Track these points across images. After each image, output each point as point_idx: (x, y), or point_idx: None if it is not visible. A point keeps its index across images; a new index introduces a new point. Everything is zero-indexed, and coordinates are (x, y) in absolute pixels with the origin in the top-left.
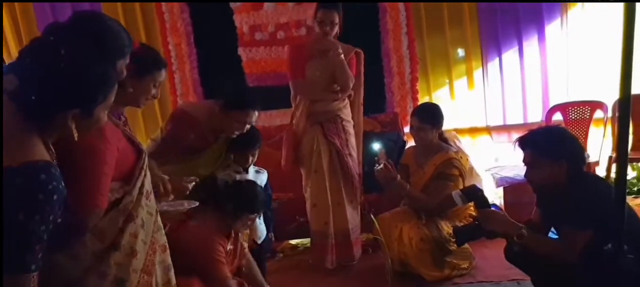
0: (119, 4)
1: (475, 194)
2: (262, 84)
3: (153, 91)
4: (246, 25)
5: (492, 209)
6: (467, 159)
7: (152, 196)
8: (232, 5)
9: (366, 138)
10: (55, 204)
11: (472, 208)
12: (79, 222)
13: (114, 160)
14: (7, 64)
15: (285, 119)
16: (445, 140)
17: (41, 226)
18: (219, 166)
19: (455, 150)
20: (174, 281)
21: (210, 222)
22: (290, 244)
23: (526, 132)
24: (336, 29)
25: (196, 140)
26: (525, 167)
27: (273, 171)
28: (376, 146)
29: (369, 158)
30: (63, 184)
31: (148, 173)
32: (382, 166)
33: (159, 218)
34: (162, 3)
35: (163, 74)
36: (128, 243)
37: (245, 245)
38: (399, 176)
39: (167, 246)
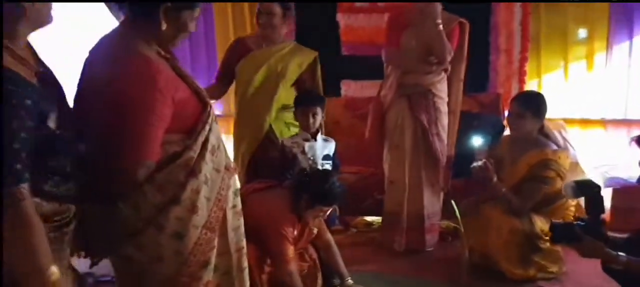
0: None
1: (590, 190)
2: (358, 53)
3: (190, 26)
4: None
5: (590, 239)
6: (567, 157)
7: (219, 152)
8: None
9: (462, 118)
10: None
11: (573, 208)
12: (127, 172)
13: (168, 111)
14: None
15: (376, 90)
16: (546, 135)
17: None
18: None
19: (553, 149)
20: (245, 247)
21: (285, 200)
22: (365, 220)
23: None
24: None
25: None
26: None
27: (357, 144)
28: (477, 142)
29: (462, 142)
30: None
31: (215, 127)
32: (481, 163)
33: (235, 180)
34: None
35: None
36: (189, 198)
37: (315, 230)
38: (495, 177)
39: (242, 212)
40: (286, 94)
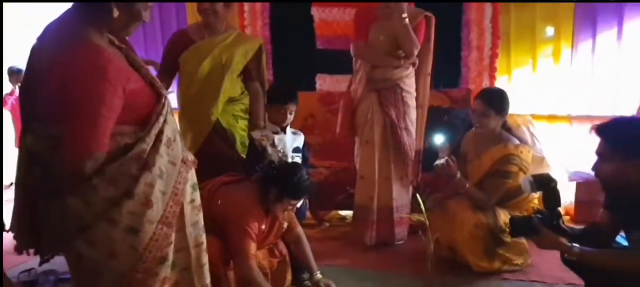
0: None
1: (546, 185)
2: (332, 47)
3: (144, 15)
4: None
5: (547, 232)
6: (529, 151)
7: (175, 145)
8: None
9: (432, 113)
10: None
11: (537, 201)
12: (74, 163)
13: (119, 101)
14: None
15: None
16: (509, 129)
17: None
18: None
19: (515, 143)
20: (205, 242)
21: (252, 194)
22: (339, 214)
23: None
24: None
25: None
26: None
27: (331, 138)
28: (439, 139)
29: (430, 136)
30: None
31: (170, 119)
32: (443, 161)
33: (192, 174)
34: None
35: None
36: (143, 192)
37: (286, 224)
38: (458, 173)
39: (201, 207)
40: (232, 86)
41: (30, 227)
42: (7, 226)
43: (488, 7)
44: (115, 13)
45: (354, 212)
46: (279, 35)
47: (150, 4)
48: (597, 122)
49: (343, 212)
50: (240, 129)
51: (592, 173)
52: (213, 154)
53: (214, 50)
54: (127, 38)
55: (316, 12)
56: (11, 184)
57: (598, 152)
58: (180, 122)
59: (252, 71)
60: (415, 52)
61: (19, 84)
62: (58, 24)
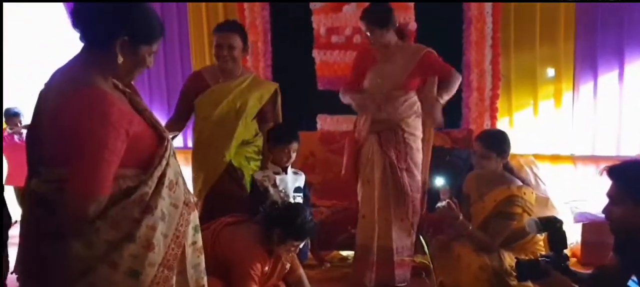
0: None
1: (552, 226)
2: (333, 88)
3: (148, 60)
4: (323, 27)
5: (557, 275)
6: (532, 192)
7: (178, 188)
8: (312, 5)
9: (434, 153)
10: None
11: (542, 243)
12: (78, 207)
13: (121, 145)
14: None
15: (350, 124)
16: (511, 170)
17: None
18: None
19: (518, 185)
20: (206, 285)
21: (256, 235)
22: (340, 254)
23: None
24: (387, 36)
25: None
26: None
27: (332, 177)
28: (439, 182)
29: (432, 177)
30: None
31: (173, 162)
32: (445, 203)
33: (195, 216)
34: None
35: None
36: (144, 235)
37: (288, 265)
38: (461, 215)
39: (202, 249)
40: (246, 129)
41: (34, 271)
42: (12, 269)
43: (488, 49)
44: (120, 59)
45: (355, 253)
46: (280, 77)
47: (154, 49)
48: (608, 164)
49: (345, 253)
50: (251, 169)
51: (599, 214)
52: (224, 194)
53: (229, 95)
54: (131, 82)
55: (317, 54)
56: (16, 221)
57: (609, 195)
58: (192, 163)
59: (268, 113)
60: (456, 75)
61: (11, 127)
62: (65, 69)
